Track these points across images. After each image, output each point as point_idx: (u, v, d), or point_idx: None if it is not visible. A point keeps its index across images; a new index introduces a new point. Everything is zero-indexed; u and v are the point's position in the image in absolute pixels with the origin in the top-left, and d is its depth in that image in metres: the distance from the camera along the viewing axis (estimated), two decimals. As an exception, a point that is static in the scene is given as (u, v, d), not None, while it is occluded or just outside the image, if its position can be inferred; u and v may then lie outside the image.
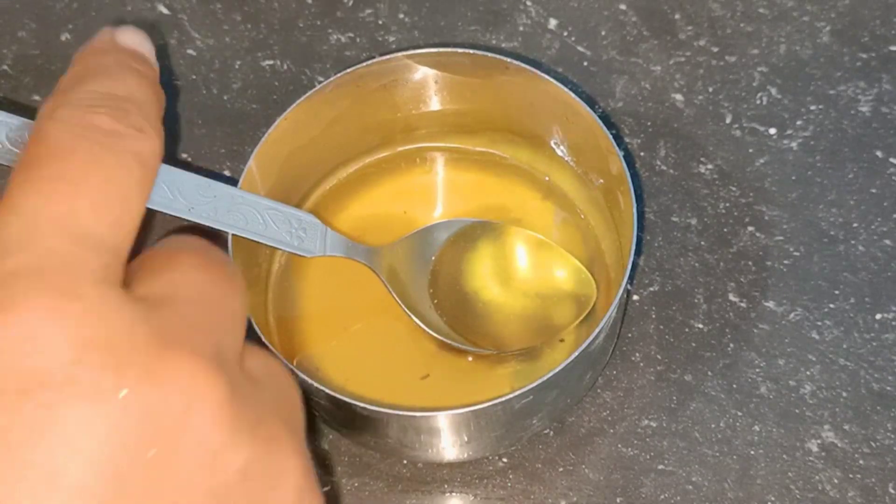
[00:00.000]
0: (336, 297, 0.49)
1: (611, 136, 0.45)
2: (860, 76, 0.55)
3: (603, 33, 0.56)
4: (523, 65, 0.47)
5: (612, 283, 0.48)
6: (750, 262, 0.51)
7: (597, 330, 0.42)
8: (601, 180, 0.48)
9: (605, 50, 0.56)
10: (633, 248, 0.43)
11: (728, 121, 0.54)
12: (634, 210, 0.44)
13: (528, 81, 0.47)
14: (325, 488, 0.46)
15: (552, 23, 0.57)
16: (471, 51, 0.47)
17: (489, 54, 0.47)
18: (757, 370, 0.48)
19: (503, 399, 0.41)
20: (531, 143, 0.50)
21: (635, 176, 0.52)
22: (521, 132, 0.50)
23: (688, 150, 0.53)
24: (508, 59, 0.47)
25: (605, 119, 0.48)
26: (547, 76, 0.46)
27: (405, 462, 0.47)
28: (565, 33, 0.56)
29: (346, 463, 0.47)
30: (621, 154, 0.45)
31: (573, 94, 0.46)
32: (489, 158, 0.51)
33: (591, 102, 0.47)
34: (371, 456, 0.47)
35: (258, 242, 0.41)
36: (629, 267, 0.43)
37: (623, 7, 0.57)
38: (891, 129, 0.54)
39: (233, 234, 0.42)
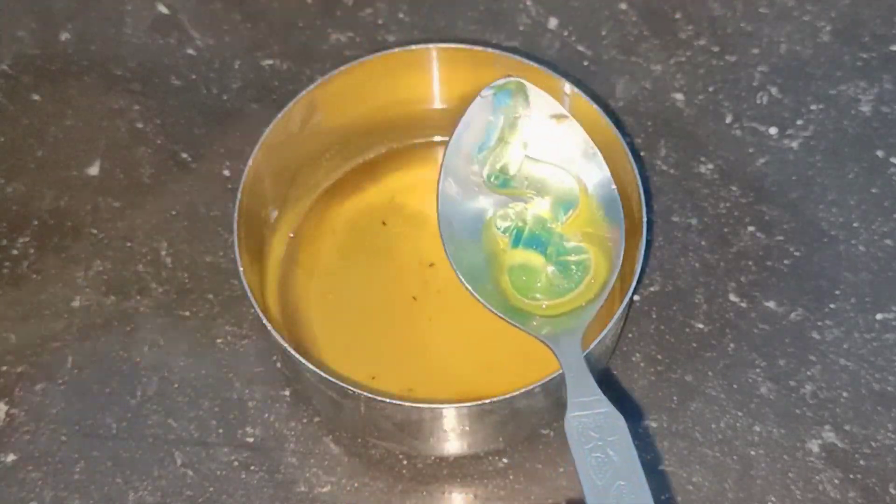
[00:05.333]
0: (340, 286, 0.49)
1: (626, 145, 0.45)
2: (861, 76, 0.55)
3: (603, 33, 0.56)
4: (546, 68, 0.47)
5: (617, 284, 0.47)
6: (750, 262, 0.51)
7: (602, 333, 0.42)
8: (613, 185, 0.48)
9: (605, 49, 0.56)
10: (642, 253, 0.43)
11: (728, 120, 0.54)
12: (644, 215, 0.43)
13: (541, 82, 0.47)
14: (325, 488, 0.46)
15: (552, 22, 0.57)
16: (467, 46, 0.47)
17: (489, 49, 0.47)
18: (757, 370, 0.48)
19: (505, 397, 0.41)
20: None
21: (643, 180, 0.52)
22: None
23: (688, 150, 0.53)
24: (517, 57, 0.47)
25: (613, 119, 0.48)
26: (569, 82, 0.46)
27: (405, 462, 0.47)
28: (566, 33, 0.56)
29: (346, 463, 0.47)
30: (635, 165, 0.45)
31: (597, 107, 0.46)
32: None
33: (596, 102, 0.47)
34: (371, 456, 0.47)
35: None
36: (637, 273, 0.43)
37: (623, 7, 0.57)
38: (891, 128, 0.54)
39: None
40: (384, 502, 0.46)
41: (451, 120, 0.50)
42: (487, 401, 0.41)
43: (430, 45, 0.48)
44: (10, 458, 0.47)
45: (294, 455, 0.47)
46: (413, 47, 0.48)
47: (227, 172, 0.53)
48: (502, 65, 0.47)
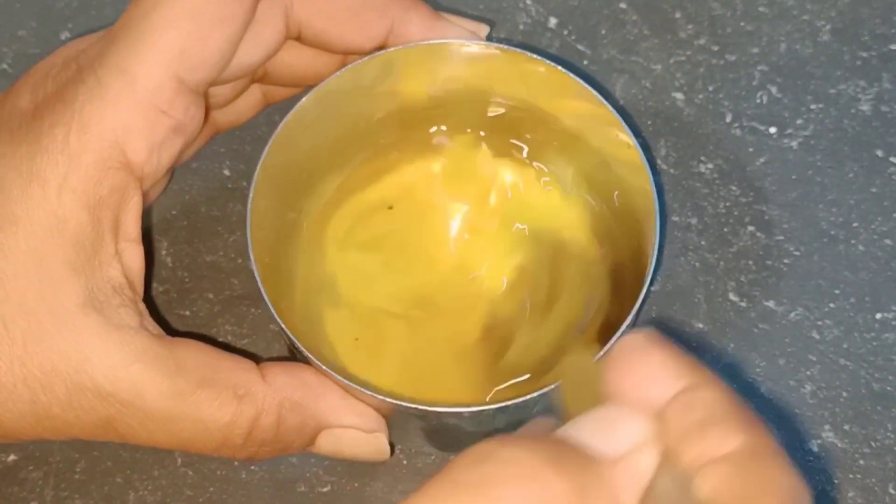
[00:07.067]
0: (355, 283, 0.49)
1: (640, 149, 0.45)
2: (860, 75, 0.55)
3: (603, 32, 0.56)
4: (554, 64, 0.46)
5: (629, 286, 0.47)
6: (750, 262, 0.51)
7: (612, 340, 0.42)
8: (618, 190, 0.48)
9: (605, 49, 0.56)
10: (654, 260, 0.43)
11: (728, 120, 0.54)
12: (657, 218, 0.43)
13: (549, 75, 0.46)
14: (325, 489, 0.46)
15: (552, 21, 0.57)
16: (482, 42, 0.47)
17: (505, 47, 0.47)
18: (757, 370, 0.48)
19: (516, 401, 0.41)
20: (548, 135, 0.49)
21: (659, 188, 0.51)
22: (539, 124, 0.49)
23: (688, 150, 0.53)
24: (528, 53, 0.46)
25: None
26: (575, 76, 0.46)
27: (405, 462, 0.47)
28: (565, 32, 0.56)
29: (346, 463, 0.47)
30: (648, 168, 0.44)
31: (606, 102, 0.45)
32: (505, 148, 0.50)
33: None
34: (371, 456, 0.47)
35: None
36: (648, 280, 0.42)
37: (623, 6, 0.57)
38: (891, 128, 0.54)
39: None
40: (384, 502, 0.46)
41: (466, 111, 0.49)
42: (491, 406, 0.41)
43: (437, 41, 0.47)
44: (11, 457, 0.47)
45: (294, 455, 0.47)
46: (425, 42, 0.47)
47: (227, 172, 0.53)
48: (510, 61, 0.47)
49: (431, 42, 0.46)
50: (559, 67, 0.46)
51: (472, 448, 0.27)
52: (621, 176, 0.47)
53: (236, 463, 0.46)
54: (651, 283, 0.42)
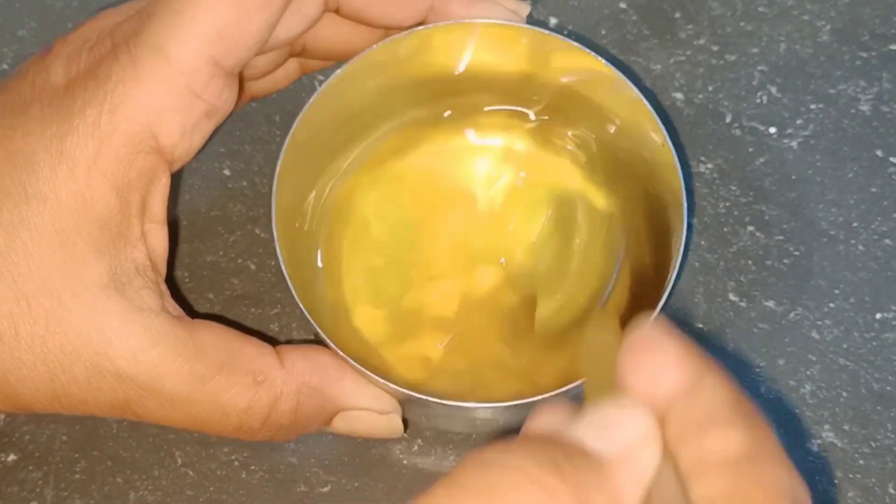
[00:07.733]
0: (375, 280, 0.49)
1: (667, 136, 0.44)
2: (860, 75, 0.55)
3: (603, 32, 0.56)
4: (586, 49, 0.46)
5: (649, 289, 0.46)
6: (750, 262, 0.51)
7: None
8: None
9: (605, 49, 0.56)
10: (678, 265, 0.43)
11: (728, 120, 0.54)
12: (684, 224, 0.43)
13: (579, 62, 0.46)
14: (325, 489, 0.46)
15: (552, 21, 0.57)
16: (512, 23, 0.46)
17: (533, 28, 0.46)
18: (757, 370, 0.48)
19: (522, 402, 0.41)
20: (578, 117, 0.49)
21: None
22: (569, 107, 0.49)
23: (688, 150, 0.53)
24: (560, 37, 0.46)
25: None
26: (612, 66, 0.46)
27: (405, 462, 0.47)
28: (565, 32, 0.56)
29: (346, 463, 0.47)
30: (681, 171, 0.44)
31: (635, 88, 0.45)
32: (535, 128, 0.50)
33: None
34: (371, 456, 0.47)
35: None
36: (667, 291, 0.42)
37: (623, 6, 0.57)
38: (891, 128, 0.54)
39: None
40: (384, 502, 0.46)
41: (497, 90, 0.49)
42: (498, 405, 0.41)
43: (475, 20, 0.46)
44: (11, 457, 0.47)
45: (294, 455, 0.47)
46: (465, 21, 0.46)
47: (227, 172, 0.53)
48: (544, 44, 0.46)
49: (471, 20, 0.46)
50: (592, 53, 0.46)
51: (477, 453, 0.27)
52: (650, 165, 0.47)
53: (236, 463, 0.47)
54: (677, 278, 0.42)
